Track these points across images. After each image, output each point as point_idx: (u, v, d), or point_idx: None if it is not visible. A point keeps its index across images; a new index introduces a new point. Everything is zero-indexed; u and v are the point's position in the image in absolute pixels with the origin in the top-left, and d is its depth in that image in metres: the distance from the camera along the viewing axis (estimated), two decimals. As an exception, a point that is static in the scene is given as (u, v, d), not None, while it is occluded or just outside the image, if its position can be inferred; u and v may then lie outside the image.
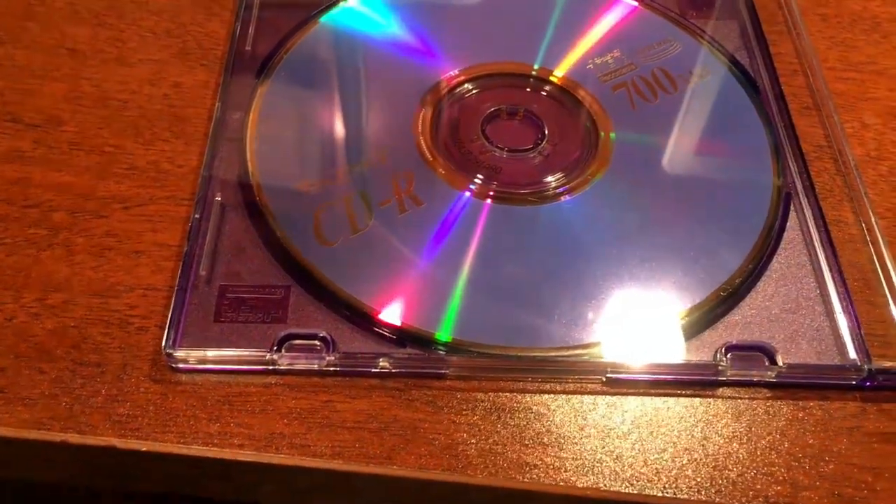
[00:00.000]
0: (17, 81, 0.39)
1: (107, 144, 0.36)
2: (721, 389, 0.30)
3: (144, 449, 0.28)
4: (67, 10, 0.42)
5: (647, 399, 0.30)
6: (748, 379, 0.30)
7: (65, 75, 0.39)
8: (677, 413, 0.30)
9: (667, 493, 0.28)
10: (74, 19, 0.41)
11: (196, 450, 0.28)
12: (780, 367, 0.30)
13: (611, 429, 0.29)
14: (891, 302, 0.32)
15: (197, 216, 0.33)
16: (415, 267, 0.32)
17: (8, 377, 0.29)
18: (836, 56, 0.41)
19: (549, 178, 0.36)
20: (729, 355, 0.30)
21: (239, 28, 0.40)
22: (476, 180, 0.35)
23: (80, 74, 0.39)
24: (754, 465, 0.29)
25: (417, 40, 0.40)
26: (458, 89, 0.38)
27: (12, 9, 0.42)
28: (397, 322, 0.31)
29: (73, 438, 0.28)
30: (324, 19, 0.40)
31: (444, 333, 0.31)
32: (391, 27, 0.40)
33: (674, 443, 0.29)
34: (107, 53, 0.40)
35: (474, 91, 0.39)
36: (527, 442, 0.29)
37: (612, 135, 0.37)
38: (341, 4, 0.41)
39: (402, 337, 0.31)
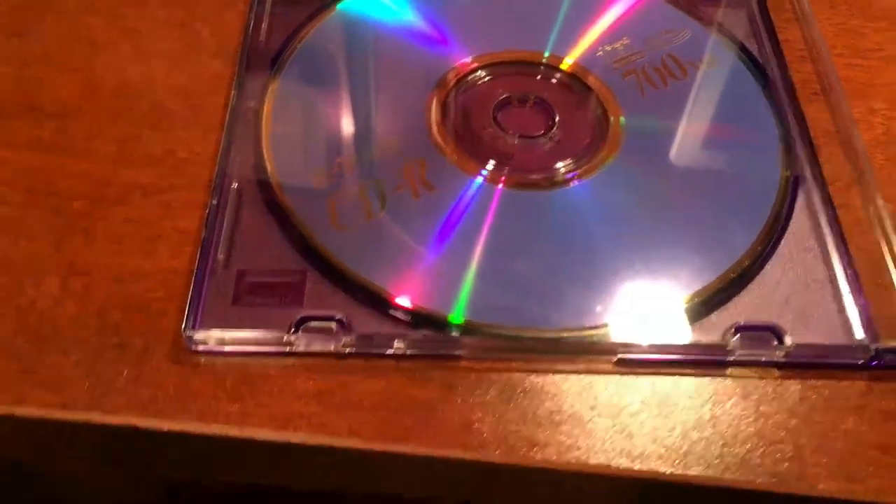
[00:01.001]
0: (35, 71, 0.39)
1: (124, 133, 0.37)
2: (730, 369, 0.31)
3: (165, 428, 0.29)
4: (83, 1, 0.42)
5: (657, 379, 0.31)
6: (757, 359, 0.31)
7: (82, 66, 0.40)
8: (687, 392, 0.30)
9: (676, 469, 0.28)
10: (90, 10, 0.42)
11: (216, 429, 0.29)
12: (789, 346, 0.30)
13: (622, 408, 0.30)
14: (897, 282, 0.32)
15: (214, 202, 0.34)
16: (428, 251, 0.33)
17: (32, 360, 0.30)
18: (844, 43, 0.42)
19: (560, 164, 0.36)
20: (738, 336, 0.31)
21: (253, 18, 0.40)
22: (488, 166, 0.36)
23: (96, 65, 0.40)
24: (763, 442, 0.29)
25: (431, 27, 0.40)
26: (470, 77, 0.39)
27: (30, 1, 0.42)
28: (411, 305, 0.31)
29: (96, 418, 0.29)
30: (340, 7, 0.41)
31: (457, 316, 0.31)
32: (405, 14, 0.41)
33: (683, 421, 0.30)
34: (123, 44, 0.41)
35: (486, 78, 0.39)
36: (539, 421, 0.29)
37: (622, 120, 0.37)
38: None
39: (417, 319, 0.31)
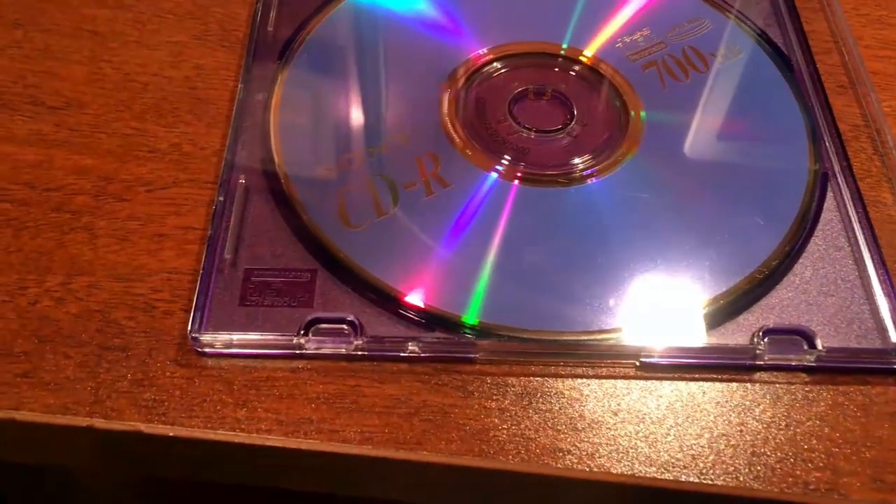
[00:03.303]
0: (38, 64, 0.38)
1: (128, 127, 0.36)
2: (758, 374, 0.30)
3: (171, 434, 0.28)
4: (87, -9, 0.41)
5: (681, 384, 0.29)
6: (786, 363, 0.29)
7: (85, 58, 0.39)
8: (713, 398, 0.29)
9: (704, 479, 0.27)
10: (94, 2, 0.41)
11: (223, 435, 0.28)
12: (820, 350, 0.29)
13: (645, 414, 0.29)
14: (933, 284, 0.31)
15: (221, 199, 0.33)
16: (441, 250, 0.32)
17: (33, 362, 0.29)
18: (871, 34, 0.40)
19: (577, 160, 0.35)
20: (766, 339, 0.30)
21: (261, 9, 0.39)
22: (503, 161, 0.35)
23: (100, 57, 0.39)
24: (793, 450, 0.28)
25: (445, 17, 0.39)
26: (486, 69, 0.38)
27: (32, -9, 0.41)
28: (424, 305, 0.30)
29: (99, 423, 0.28)
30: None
31: (471, 316, 0.30)
32: (418, 3, 0.40)
33: (710, 428, 0.28)
34: (127, 35, 0.40)
35: (502, 70, 0.38)
36: (559, 427, 0.28)
37: (643, 115, 0.36)
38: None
39: (430, 320, 0.30)
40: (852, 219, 0.33)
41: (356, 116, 0.37)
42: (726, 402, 0.29)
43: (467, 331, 0.30)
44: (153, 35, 0.40)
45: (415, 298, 0.30)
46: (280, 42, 0.38)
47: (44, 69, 0.38)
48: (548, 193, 0.34)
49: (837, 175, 0.34)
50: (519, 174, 0.34)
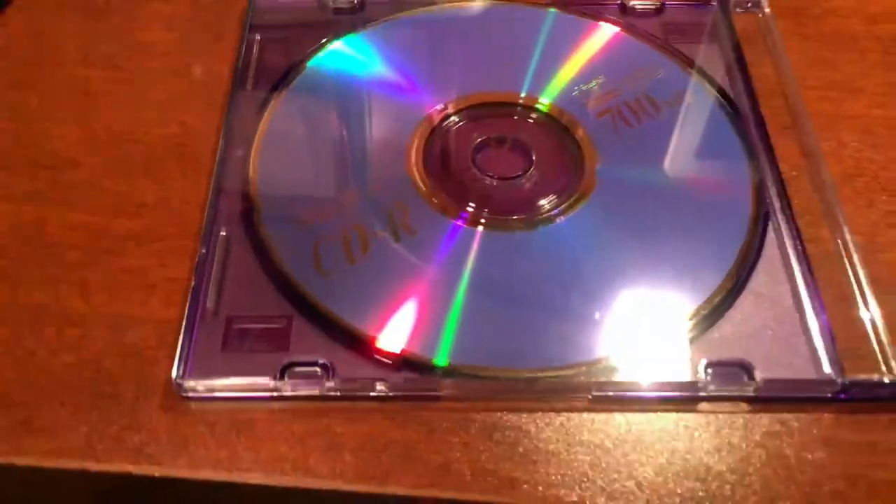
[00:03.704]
0: (33, 125, 0.41)
1: (118, 184, 0.38)
2: (702, 405, 0.32)
3: (157, 475, 0.30)
4: (79, 53, 0.44)
5: (631, 415, 0.32)
6: (728, 394, 0.32)
7: (78, 117, 0.41)
8: (661, 427, 0.31)
9: (650, 504, 0.29)
10: (86, 63, 0.44)
11: (207, 474, 0.30)
12: (758, 382, 0.31)
13: (597, 445, 0.31)
14: (864, 317, 0.33)
15: (203, 251, 0.35)
16: (411, 294, 0.34)
17: (30, 410, 0.31)
18: (816, 75, 0.43)
19: (542, 202, 0.37)
20: (710, 371, 0.32)
21: (240, 67, 0.42)
22: (468, 208, 0.37)
23: (92, 116, 0.41)
24: (735, 476, 0.30)
25: (404, 77, 0.42)
26: (448, 121, 0.40)
27: (28, 54, 0.44)
28: (395, 349, 0.32)
29: (92, 466, 0.30)
30: (311, 63, 0.42)
31: (441, 358, 0.32)
32: (377, 66, 0.42)
33: (658, 457, 0.31)
34: (118, 95, 0.42)
35: (464, 122, 0.40)
36: (517, 459, 0.31)
37: (597, 159, 0.38)
38: (327, 48, 0.43)
39: (400, 362, 0.32)
40: (791, 256, 0.35)
41: (329, 170, 0.39)
42: (673, 431, 0.31)
43: (436, 371, 0.32)
44: (142, 94, 0.42)
45: (385, 342, 0.33)
46: (258, 99, 0.41)
47: (39, 129, 0.41)
48: (509, 237, 0.36)
49: (778, 214, 0.36)
50: (483, 220, 0.37)
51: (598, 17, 0.44)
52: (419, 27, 0.45)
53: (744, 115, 0.40)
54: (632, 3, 0.45)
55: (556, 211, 0.37)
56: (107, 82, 0.43)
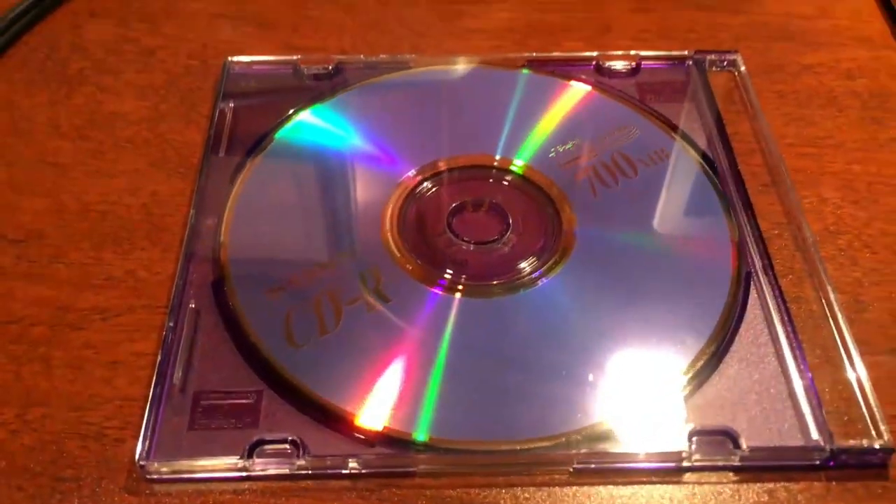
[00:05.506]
0: (1, 198, 0.40)
1: (86, 256, 0.38)
2: (687, 475, 0.31)
3: (119, 563, 0.29)
4: (49, 124, 0.43)
5: (614, 488, 0.30)
6: (713, 464, 0.31)
7: (47, 189, 0.40)
8: (645, 498, 0.30)
9: (635, 584, 0.28)
10: (56, 134, 0.43)
11: (170, 561, 0.29)
12: (744, 450, 0.30)
13: (579, 520, 0.30)
14: (851, 378, 0.32)
15: (171, 324, 0.34)
16: (386, 367, 0.33)
17: (-14, 496, 0.30)
18: (794, 132, 0.42)
19: (522, 265, 0.36)
20: (694, 440, 0.31)
21: (213, 136, 0.41)
22: (445, 275, 0.36)
23: (61, 188, 0.40)
24: (722, 551, 0.29)
25: (376, 144, 0.41)
26: (422, 186, 0.40)
27: (-3, 126, 0.43)
28: (372, 425, 0.31)
29: (49, 556, 0.29)
30: (281, 132, 0.42)
31: (421, 433, 0.31)
32: (350, 134, 0.42)
33: (642, 532, 0.29)
34: (88, 166, 0.42)
35: (439, 186, 0.40)
36: (496, 538, 0.29)
37: (574, 222, 0.38)
38: (299, 116, 0.43)
39: (375, 439, 0.31)
40: (774, 317, 0.34)
41: (302, 238, 0.38)
42: (657, 503, 0.30)
43: (413, 446, 0.31)
44: (112, 164, 0.42)
45: (363, 418, 0.31)
46: (229, 169, 0.40)
47: (6, 202, 0.40)
48: (488, 303, 0.35)
49: (759, 273, 0.36)
50: (460, 287, 0.36)
51: (572, 77, 0.44)
52: (392, 92, 0.44)
53: (723, 173, 0.39)
54: (608, 63, 0.45)
55: (536, 273, 0.36)
56: (77, 153, 0.42)
